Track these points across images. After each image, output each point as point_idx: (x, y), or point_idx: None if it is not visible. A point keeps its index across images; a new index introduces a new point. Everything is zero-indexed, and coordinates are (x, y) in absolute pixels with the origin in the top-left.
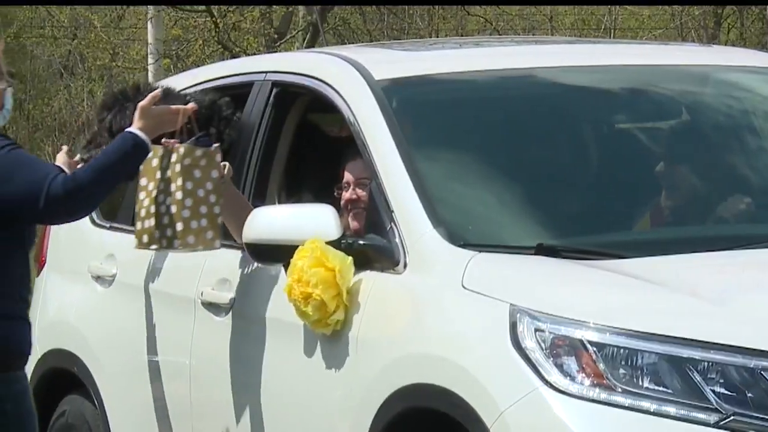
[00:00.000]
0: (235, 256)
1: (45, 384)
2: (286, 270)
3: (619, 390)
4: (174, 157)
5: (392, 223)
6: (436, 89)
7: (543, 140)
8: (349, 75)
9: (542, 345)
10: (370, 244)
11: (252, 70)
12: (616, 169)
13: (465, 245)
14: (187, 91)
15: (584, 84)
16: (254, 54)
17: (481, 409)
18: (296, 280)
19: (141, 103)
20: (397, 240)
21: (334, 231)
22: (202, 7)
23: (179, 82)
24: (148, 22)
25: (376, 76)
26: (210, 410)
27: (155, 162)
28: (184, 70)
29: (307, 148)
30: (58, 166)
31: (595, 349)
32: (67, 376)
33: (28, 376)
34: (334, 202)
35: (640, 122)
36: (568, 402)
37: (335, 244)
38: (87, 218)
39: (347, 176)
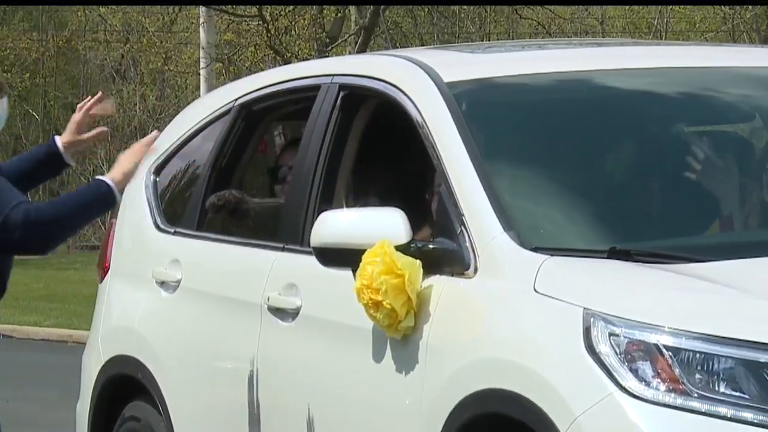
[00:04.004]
0: (301, 260)
1: (109, 390)
2: (354, 274)
3: (695, 395)
4: None
5: (462, 227)
6: (505, 92)
7: (614, 143)
8: (418, 78)
9: (617, 349)
10: (440, 248)
11: (319, 73)
12: (687, 173)
13: (536, 249)
14: (254, 95)
15: (655, 86)
16: (306, 58)
17: (554, 415)
18: (366, 285)
19: (121, 155)
20: (467, 244)
21: (403, 235)
22: (254, 12)
23: (245, 86)
24: (200, 27)
25: (445, 79)
26: (277, 417)
27: None
28: (235, 75)
29: (375, 152)
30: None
31: (670, 353)
32: (131, 383)
33: (92, 382)
34: (413, 205)
35: (711, 125)
36: (643, 407)
37: (404, 247)
38: (151, 223)
39: (439, 180)
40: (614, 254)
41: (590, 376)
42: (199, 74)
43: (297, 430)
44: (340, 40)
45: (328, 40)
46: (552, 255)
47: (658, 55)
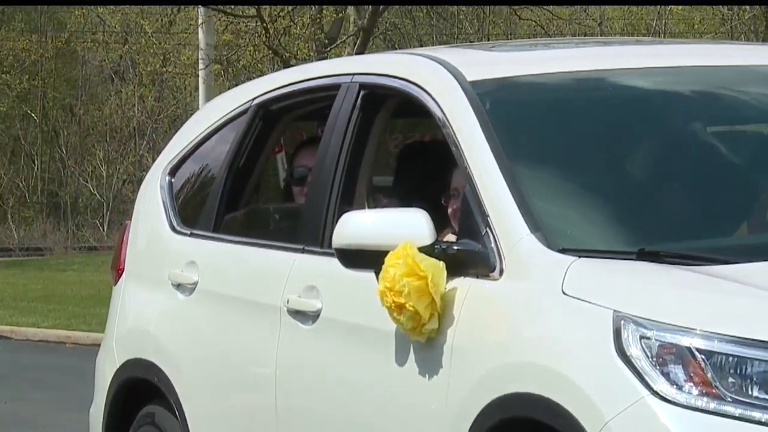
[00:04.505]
0: (321, 262)
1: (124, 394)
2: (377, 276)
3: (729, 399)
4: None
5: (487, 228)
6: (529, 91)
7: (639, 143)
8: (442, 76)
9: (648, 353)
10: (465, 250)
11: (338, 72)
12: (715, 173)
13: (563, 250)
14: (271, 95)
15: (681, 85)
16: (305, 59)
17: (584, 419)
18: (389, 288)
19: None
20: (493, 245)
21: (427, 236)
22: (253, 12)
23: (262, 86)
24: (199, 28)
25: (468, 78)
26: (297, 421)
27: None
28: (234, 76)
29: (397, 151)
30: None
31: (703, 356)
32: (146, 386)
33: (107, 385)
34: (433, 208)
35: (738, 125)
36: (676, 412)
37: (428, 249)
38: (166, 225)
39: (456, 183)
40: (643, 255)
41: (621, 379)
42: (197, 75)
43: None
44: (338, 41)
45: (327, 40)
46: (580, 256)
47: (682, 53)
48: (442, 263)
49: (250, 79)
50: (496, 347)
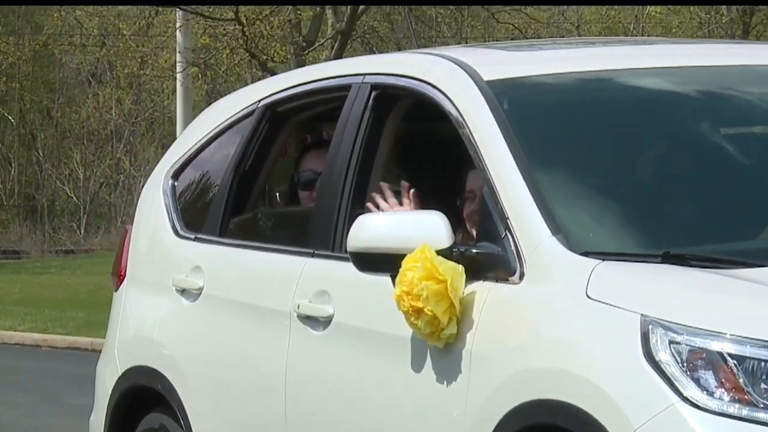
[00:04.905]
0: (333, 266)
1: (127, 402)
2: (393, 280)
3: (761, 405)
4: None
5: (507, 231)
6: (547, 90)
7: (661, 144)
8: (457, 76)
9: (678, 358)
10: (484, 252)
11: (349, 73)
12: (738, 176)
13: (586, 253)
14: (279, 96)
15: (701, 86)
16: (282, 62)
17: (611, 426)
18: (406, 292)
19: None
20: (513, 248)
21: (445, 239)
22: (231, 15)
23: (269, 87)
24: (177, 31)
25: (485, 77)
26: (308, 428)
27: None
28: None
29: (409, 152)
30: None
31: (735, 362)
32: (149, 394)
33: (108, 393)
34: (448, 210)
35: (759, 125)
36: (707, 419)
37: (446, 252)
38: (170, 229)
39: (471, 185)
40: (668, 258)
41: (650, 385)
42: (175, 78)
43: None
44: (317, 44)
45: (305, 43)
46: (604, 260)
47: (697, 53)
48: (461, 267)
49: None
50: (518, 352)
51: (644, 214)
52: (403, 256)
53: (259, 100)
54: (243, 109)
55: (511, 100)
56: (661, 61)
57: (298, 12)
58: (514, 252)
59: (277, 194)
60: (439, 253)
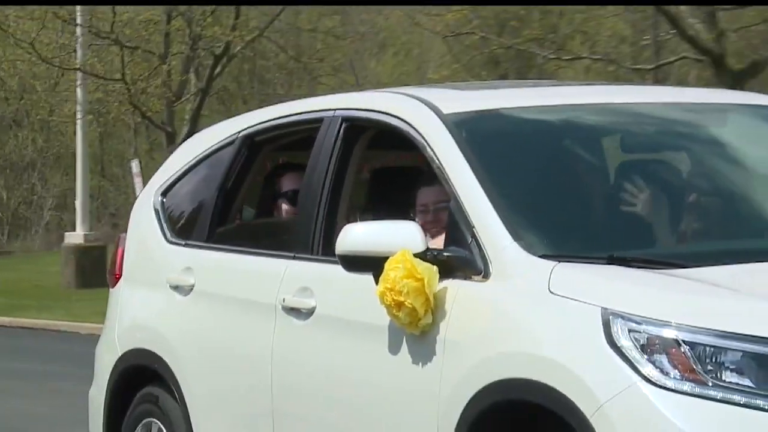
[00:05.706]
0: (312, 266)
1: (125, 379)
2: (375, 278)
3: (710, 384)
4: None
5: (473, 238)
6: (497, 120)
7: (596, 163)
8: (421, 110)
9: (636, 344)
10: (454, 255)
11: (321, 108)
12: (661, 192)
13: (543, 256)
14: (256, 128)
15: (622, 116)
16: (157, 112)
17: (580, 402)
18: (389, 288)
19: None
20: (478, 252)
21: (420, 244)
22: (119, 76)
23: (247, 120)
24: (77, 88)
25: (444, 111)
26: (292, 399)
27: None
28: (104, 124)
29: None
30: None
31: (688, 347)
32: (146, 371)
33: (109, 370)
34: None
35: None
36: (665, 395)
37: (421, 255)
38: (161, 237)
39: (423, 200)
40: (613, 260)
41: (613, 367)
42: (76, 123)
43: (312, 415)
44: (183, 98)
45: (174, 98)
46: (559, 261)
47: (621, 92)
48: (435, 267)
49: (116, 127)
50: (487, 339)
51: (589, 222)
52: (384, 259)
53: (239, 131)
54: (225, 139)
55: (468, 128)
56: (592, 99)
57: (170, 75)
58: (480, 255)
59: (240, 212)
60: (416, 256)
